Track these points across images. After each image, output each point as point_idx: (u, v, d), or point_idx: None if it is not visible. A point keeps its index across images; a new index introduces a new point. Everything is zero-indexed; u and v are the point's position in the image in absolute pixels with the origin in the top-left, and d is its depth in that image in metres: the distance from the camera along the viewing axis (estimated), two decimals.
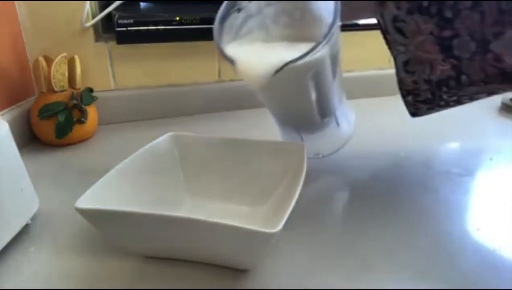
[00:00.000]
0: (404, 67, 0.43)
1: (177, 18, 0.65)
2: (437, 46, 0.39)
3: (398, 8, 0.40)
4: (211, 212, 0.41)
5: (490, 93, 0.43)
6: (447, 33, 0.39)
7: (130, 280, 0.35)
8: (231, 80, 0.78)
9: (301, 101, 0.46)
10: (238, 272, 0.35)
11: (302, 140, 0.52)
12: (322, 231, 0.42)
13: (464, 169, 0.54)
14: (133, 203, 0.38)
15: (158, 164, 0.46)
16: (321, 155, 0.55)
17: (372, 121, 0.73)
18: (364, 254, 0.38)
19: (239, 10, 0.44)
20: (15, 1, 0.62)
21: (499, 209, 0.46)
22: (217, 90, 0.77)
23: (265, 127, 0.62)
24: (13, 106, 0.61)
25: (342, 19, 0.44)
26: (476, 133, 0.68)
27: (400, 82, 0.44)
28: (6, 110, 0.60)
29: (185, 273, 0.35)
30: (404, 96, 0.45)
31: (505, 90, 0.41)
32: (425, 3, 0.39)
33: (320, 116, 0.49)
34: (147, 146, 0.45)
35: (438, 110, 0.46)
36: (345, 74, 0.84)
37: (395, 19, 0.41)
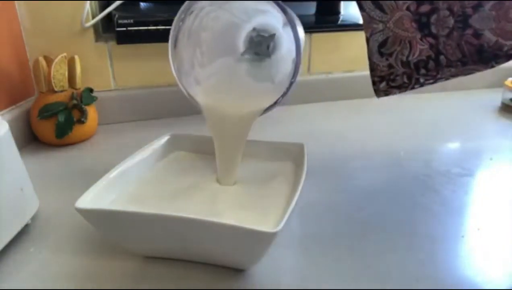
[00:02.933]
0: (379, 49, 0.41)
1: None
2: (414, 23, 0.38)
3: None
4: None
5: (466, 74, 0.42)
6: (425, 8, 0.37)
7: (130, 280, 0.35)
8: None
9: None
10: (238, 272, 0.35)
11: None
12: (322, 231, 0.41)
13: (464, 169, 0.54)
14: (133, 203, 0.38)
15: (158, 164, 0.46)
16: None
17: (372, 121, 0.73)
18: (363, 253, 0.38)
19: (191, 12, 0.43)
20: (15, 1, 0.62)
21: (499, 209, 0.46)
22: None
23: (265, 127, 0.63)
24: (13, 106, 0.61)
25: None
26: (476, 133, 0.68)
27: (373, 67, 0.42)
28: (6, 110, 0.60)
29: (185, 273, 0.35)
30: (376, 83, 0.43)
31: (479, 70, 0.40)
32: None
33: None
34: (147, 146, 0.45)
35: (409, 90, 0.44)
36: (345, 74, 0.84)
37: None
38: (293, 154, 0.46)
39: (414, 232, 0.41)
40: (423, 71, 0.40)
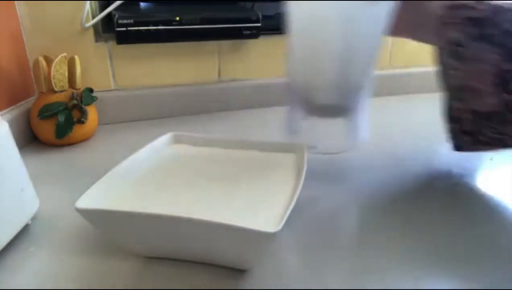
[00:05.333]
0: (454, 93, 0.40)
1: (177, 18, 0.65)
2: (492, 76, 0.37)
3: (460, 32, 0.38)
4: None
5: None
6: (508, 66, 0.36)
7: (130, 280, 0.35)
8: (231, 80, 0.78)
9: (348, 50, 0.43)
10: (238, 272, 0.35)
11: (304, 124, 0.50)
12: (322, 230, 0.42)
13: (464, 169, 0.54)
14: (133, 203, 0.38)
15: (158, 164, 0.46)
16: (318, 150, 0.50)
17: (372, 121, 0.73)
18: (364, 253, 0.38)
19: None
20: (15, 1, 0.62)
21: (499, 209, 0.46)
22: (217, 90, 0.77)
23: (265, 127, 0.63)
24: (13, 106, 0.61)
25: (395, 32, 0.41)
26: None
27: (447, 108, 0.42)
28: (6, 110, 0.60)
29: (185, 273, 0.35)
30: (448, 123, 0.43)
31: None
32: (489, 31, 0.36)
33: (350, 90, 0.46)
34: (147, 146, 0.45)
35: (482, 149, 0.43)
36: None
37: (454, 43, 0.38)
38: (293, 154, 0.46)
39: (414, 232, 0.41)
40: (488, 122, 0.40)
